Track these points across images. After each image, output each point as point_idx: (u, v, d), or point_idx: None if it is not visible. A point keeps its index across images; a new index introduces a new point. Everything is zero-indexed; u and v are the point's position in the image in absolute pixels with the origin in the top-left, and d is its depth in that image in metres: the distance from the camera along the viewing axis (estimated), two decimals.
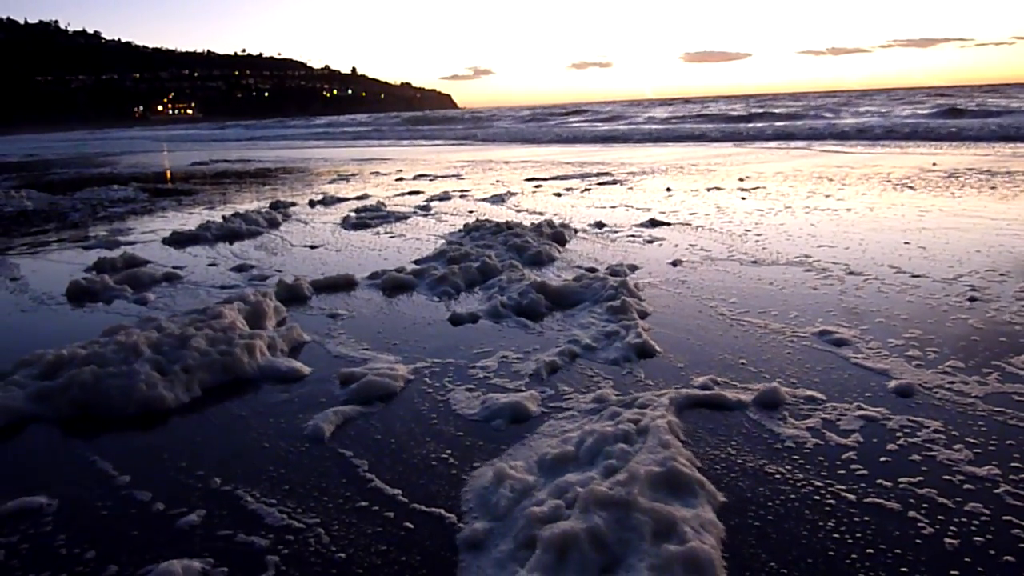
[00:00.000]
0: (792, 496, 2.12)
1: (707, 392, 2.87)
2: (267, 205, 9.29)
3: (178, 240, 7.00)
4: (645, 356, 3.33)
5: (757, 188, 9.40)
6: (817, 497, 2.11)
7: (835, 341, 3.43)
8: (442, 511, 2.09)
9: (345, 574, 1.83)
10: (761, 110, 34.91)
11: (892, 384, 2.92)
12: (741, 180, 10.45)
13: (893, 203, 7.68)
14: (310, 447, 2.56)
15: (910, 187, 8.93)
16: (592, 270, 4.94)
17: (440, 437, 2.60)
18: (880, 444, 2.43)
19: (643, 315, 3.93)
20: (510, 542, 1.82)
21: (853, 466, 2.28)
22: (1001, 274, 4.54)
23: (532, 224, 6.58)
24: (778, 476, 2.23)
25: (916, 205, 7.49)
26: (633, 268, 5.08)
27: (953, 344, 3.32)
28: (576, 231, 6.73)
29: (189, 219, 8.46)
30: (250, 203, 9.84)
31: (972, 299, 4.02)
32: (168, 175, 16.71)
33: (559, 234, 6.23)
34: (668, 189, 9.71)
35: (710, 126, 27.35)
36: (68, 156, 27.10)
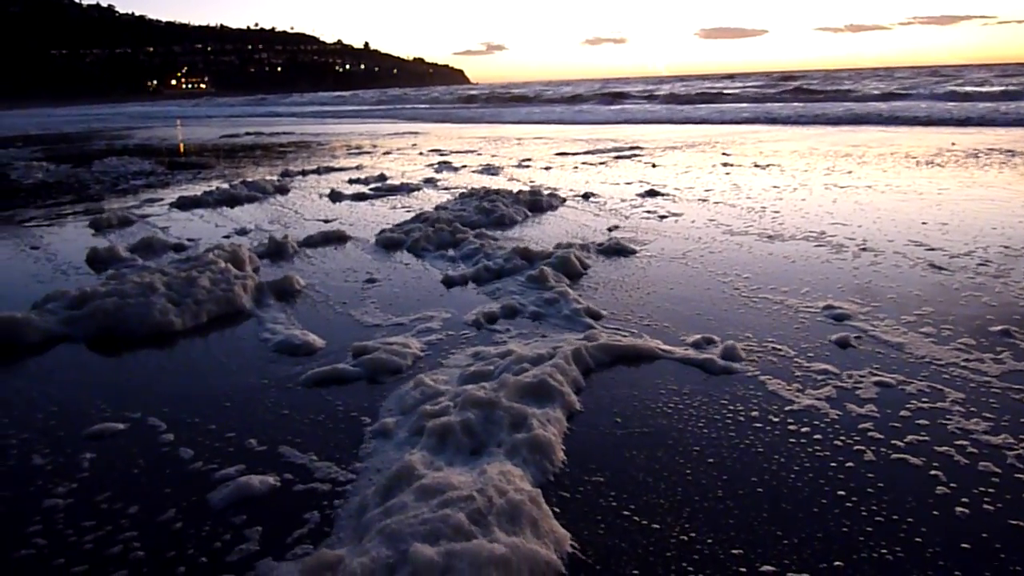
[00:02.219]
0: (635, 403, 2.66)
1: (631, 340, 3.18)
2: (279, 174, 9.82)
3: (183, 204, 7.60)
4: (593, 317, 3.55)
5: (772, 165, 9.34)
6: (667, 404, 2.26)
7: (843, 315, 3.44)
8: (366, 417, 2.58)
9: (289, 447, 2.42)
10: (778, 88, 34.48)
11: (905, 357, 2.93)
12: (757, 157, 10.38)
13: (911, 181, 7.62)
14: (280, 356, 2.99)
15: (928, 166, 8.85)
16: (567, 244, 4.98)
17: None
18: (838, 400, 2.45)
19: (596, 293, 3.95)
20: (407, 431, 2.38)
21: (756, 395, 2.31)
22: (1019, 252, 4.52)
23: (518, 191, 7.06)
24: (642, 396, 2.71)
25: (934, 183, 7.42)
26: (613, 229, 5.09)
27: (968, 322, 3.32)
28: (564, 200, 7.15)
29: (203, 186, 8.52)
30: (266, 174, 9.90)
31: (990, 276, 4.01)
32: (183, 148, 16.77)
33: (536, 202, 6.72)
34: (660, 167, 9.67)
35: (725, 105, 27.07)
36: (83, 130, 27.22)
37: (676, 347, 3.15)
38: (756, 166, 9.34)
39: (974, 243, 4.80)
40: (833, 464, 2.17)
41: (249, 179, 9.06)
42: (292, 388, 2.86)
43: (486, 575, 1.52)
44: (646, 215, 6.21)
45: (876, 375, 2.78)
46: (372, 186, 8.68)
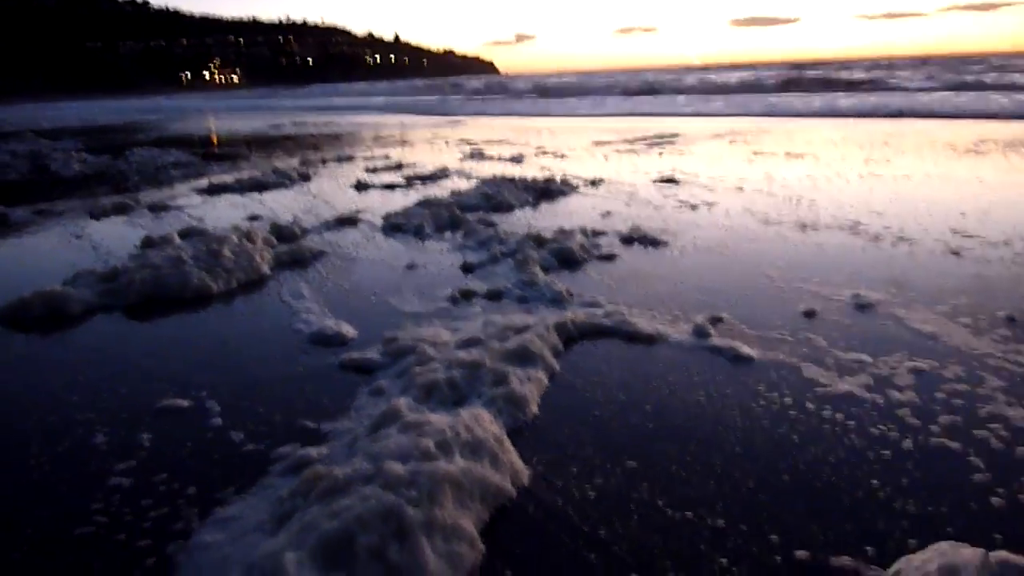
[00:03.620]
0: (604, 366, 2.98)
1: (611, 317, 3.41)
2: (312, 161, 10.22)
3: (212, 190, 8.15)
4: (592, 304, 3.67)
5: (807, 155, 9.23)
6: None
7: (878, 304, 3.42)
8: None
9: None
10: (810, 76, 33.92)
11: (940, 347, 2.92)
12: (791, 146, 10.25)
13: (949, 171, 7.49)
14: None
15: (968, 155, 8.68)
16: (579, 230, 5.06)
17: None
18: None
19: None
20: (400, 386, 2.69)
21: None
22: None
23: (532, 179, 7.31)
24: (612, 361, 2.92)
25: (973, 173, 7.29)
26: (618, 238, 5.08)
27: (1005, 313, 3.28)
28: (576, 187, 7.33)
29: (237, 175, 8.71)
30: (300, 162, 10.04)
31: None
32: (216, 140, 17.00)
33: (546, 189, 6.98)
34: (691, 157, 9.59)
35: (757, 95, 26.72)
36: (119, 122, 27.71)
37: (673, 329, 3.22)
38: (790, 156, 9.23)
39: (1014, 233, 4.72)
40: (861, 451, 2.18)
41: (280, 167, 9.26)
42: (300, 347, 3.24)
43: (441, 489, 1.81)
44: (678, 204, 6.18)
45: (911, 362, 2.76)
46: (403, 174, 8.92)
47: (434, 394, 2.54)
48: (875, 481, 2.02)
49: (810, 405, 2.48)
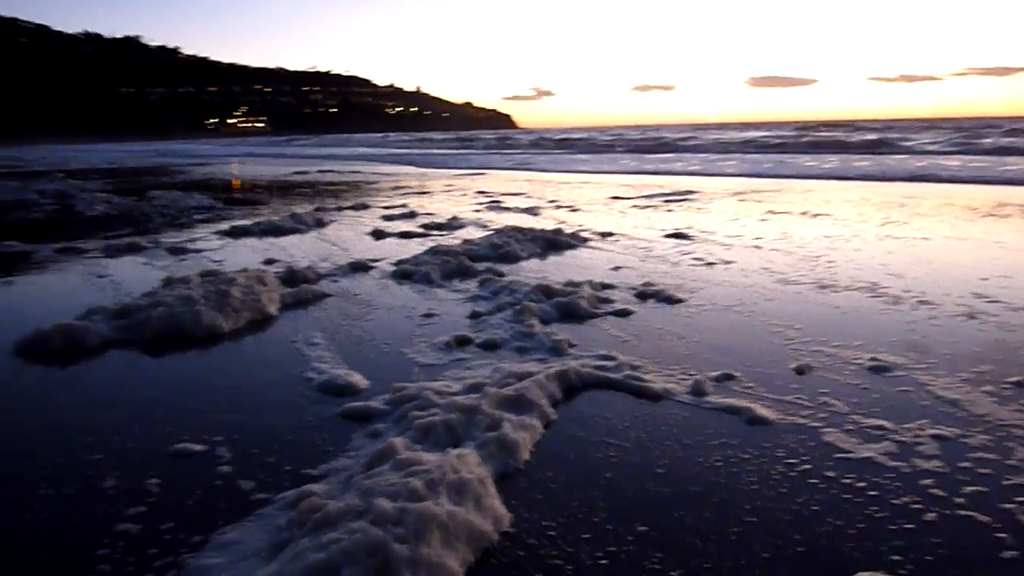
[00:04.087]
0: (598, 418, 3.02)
1: (614, 372, 3.40)
2: (331, 209, 10.19)
3: (233, 233, 8.37)
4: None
5: (824, 215, 9.22)
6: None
7: (899, 369, 3.36)
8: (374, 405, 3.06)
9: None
10: (826, 136, 34.19)
11: (961, 414, 2.84)
12: (807, 206, 10.26)
13: (969, 234, 7.44)
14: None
15: (988, 219, 8.64)
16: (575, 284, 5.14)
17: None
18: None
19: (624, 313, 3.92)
20: (399, 429, 2.74)
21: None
22: None
23: (543, 230, 7.47)
24: (611, 418, 2.99)
25: (994, 236, 7.24)
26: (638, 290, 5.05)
27: None
28: (587, 240, 7.42)
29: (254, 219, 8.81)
30: (321, 209, 10.18)
31: None
32: (239, 184, 17.29)
33: (554, 240, 7.13)
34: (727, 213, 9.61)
35: (774, 155, 26.93)
36: (146, 165, 28.29)
37: (681, 386, 3.15)
38: (807, 215, 9.23)
39: None
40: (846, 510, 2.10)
41: (298, 212, 9.38)
42: (308, 394, 3.19)
43: (428, 529, 1.88)
44: (693, 261, 6.17)
45: (934, 429, 2.69)
46: (418, 223, 9.08)
47: (430, 435, 2.62)
48: (898, 556, 1.94)
49: (829, 473, 2.41)
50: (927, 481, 2.33)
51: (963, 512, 2.15)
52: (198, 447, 2.65)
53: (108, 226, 9.25)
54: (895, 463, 2.45)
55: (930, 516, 2.12)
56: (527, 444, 2.62)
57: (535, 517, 2.17)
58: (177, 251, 7.09)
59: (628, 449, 2.62)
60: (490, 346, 3.86)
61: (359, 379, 3.31)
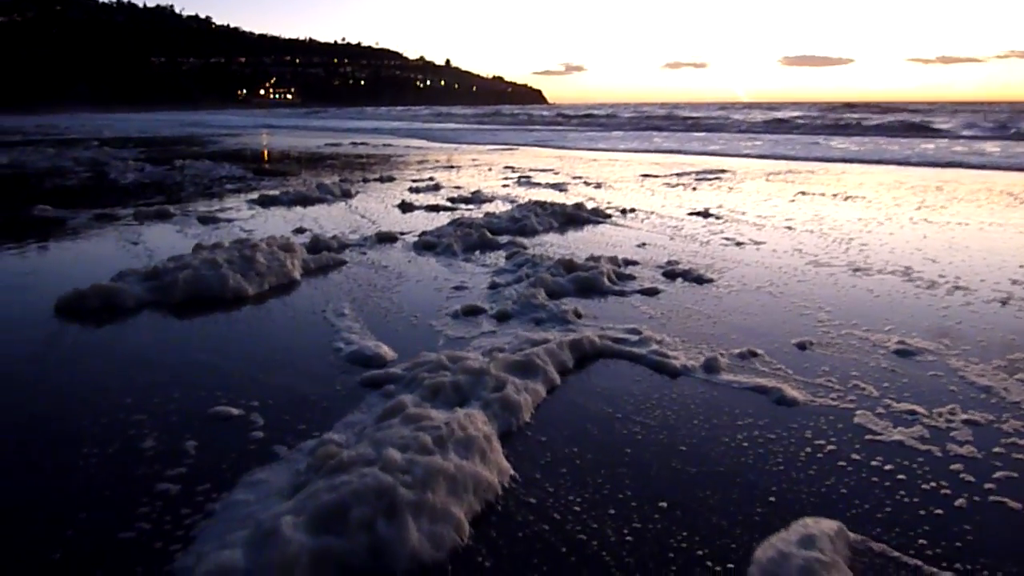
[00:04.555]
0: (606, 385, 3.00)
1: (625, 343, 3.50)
2: (361, 180, 10.25)
3: (263, 202, 8.47)
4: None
5: (858, 197, 9.07)
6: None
7: (932, 355, 3.31)
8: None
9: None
10: (860, 118, 33.48)
11: (994, 400, 2.80)
12: (840, 188, 10.09)
13: (1008, 220, 7.28)
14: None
15: None
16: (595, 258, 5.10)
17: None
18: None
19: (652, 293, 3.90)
20: (409, 388, 2.85)
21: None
22: None
23: (564, 204, 7.51)
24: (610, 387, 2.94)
25: None
26: (672, 266, 5.01)
27: None
28: (612, 216, 7.44)
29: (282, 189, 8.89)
30: (350, 182, 10.23)
31: None
32: (268, 155, 17.40)
33: (578, 216, 7.17)
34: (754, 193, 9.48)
35: (807, 135, 26.47)
36: (177, 135, 28.56)
37: (700, 362, 3.13)
38: (840, 197, 9.08)
39: None
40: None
41: (326, 183, 9.43)
42: (331, 357, 3.16)
43: (435, 480, 1.99)
44: (723, 241, 6.11)
45: (966, 415, 2.66)
46: (445, 196, 9.18)
47: (439, 395, 2.74)
48: (924, 541, 1.93)
49: (857, 456, 2.39)
50: (958, 466, 2.31)
51: (993, 498, 2.13)
52: (236, 411, 2.71)
53: (141, 194, 9.37)
54: (926, 447, 2.43)
55: (960, 502, 2.11)
56: (529, 406, 2.74)
57: (536, 473, 2.29)
58: (208, 220, 7.17)
59: (645, 423, 2.63)
60: (503, 317, 3.92)
61: (387, 351, 3.34)
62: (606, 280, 4.59)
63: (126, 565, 1.82)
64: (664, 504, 2.11)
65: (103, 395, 2.86)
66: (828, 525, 1.90)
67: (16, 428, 2.61)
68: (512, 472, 2.26)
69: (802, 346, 3.44)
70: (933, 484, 2.20)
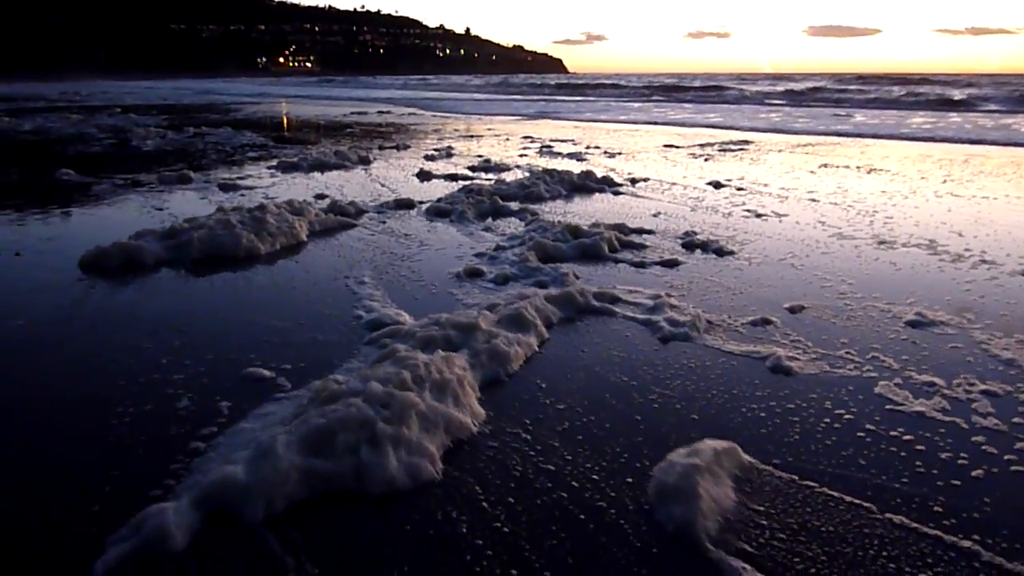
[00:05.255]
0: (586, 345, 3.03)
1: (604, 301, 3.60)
2: (385, 148, 10.25)
3: (283, 167, 8.75)
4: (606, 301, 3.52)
5: (882, 171, 8.93)
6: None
7: (955, 328, 3.29)
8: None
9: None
10: (886, 89, 32.82)
11: (1014, 371, 2.79)
12: (864, 160, 9.94)
13: None
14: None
15: None
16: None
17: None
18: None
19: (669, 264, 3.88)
20: (408, 341, 2.92)
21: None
22: None
23: (577, 172, 7.63)
24: (600, 339, 3.08)
25: None
26: (690, 234, 4.98)
27: None
28: (621, 184, 7.12)
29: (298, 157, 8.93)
30: (373, 150, 10.23)
31: None
32: (287, 123, 17.41)
33: (585, 185, 7.22)
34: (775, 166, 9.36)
35: (831, 107, 26.03)
36: (197, 103, 28.61)
37: (711, 328, 3.10)
38: (864, 170, 8.95)
39: None
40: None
41: (344, 151, 9.50)
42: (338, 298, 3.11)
43: (409, 415, 2.19)
44: (746, 213, 6.06)
45: (986, 385, 2.65)
46: (462, 164, 9.23)
47: (430, 346, 2.83)
48: (940, 509, 1.94)
49: (874, 427, 2.39)
50: (979, 438, 2.31)
51: (1015, 468, 2.13)
52: (267, 372, 2.76)
53: (163, 161, 9.43)
54: (947, 418, 2.43)
55: (978, 472, 2.11)
56: (520, 357, 2.89)
57: (515, 417, 2.45)
58: (228, 187, 7.21)
59: (633, 379, 2.64)
60: (501, 280, 4.03)
61: (394, 312, 3.43)
62: (606, 248, 4.66)
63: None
64: (638, 438, 2.31)
65: (135, 355, 2.92)
66: (720, 443, 2.11)
67: (44, 388, 2.67)
68: (486, 414, 2.43)
69: (819, 316, 3.43)
70: (951, 454, 2.20)
